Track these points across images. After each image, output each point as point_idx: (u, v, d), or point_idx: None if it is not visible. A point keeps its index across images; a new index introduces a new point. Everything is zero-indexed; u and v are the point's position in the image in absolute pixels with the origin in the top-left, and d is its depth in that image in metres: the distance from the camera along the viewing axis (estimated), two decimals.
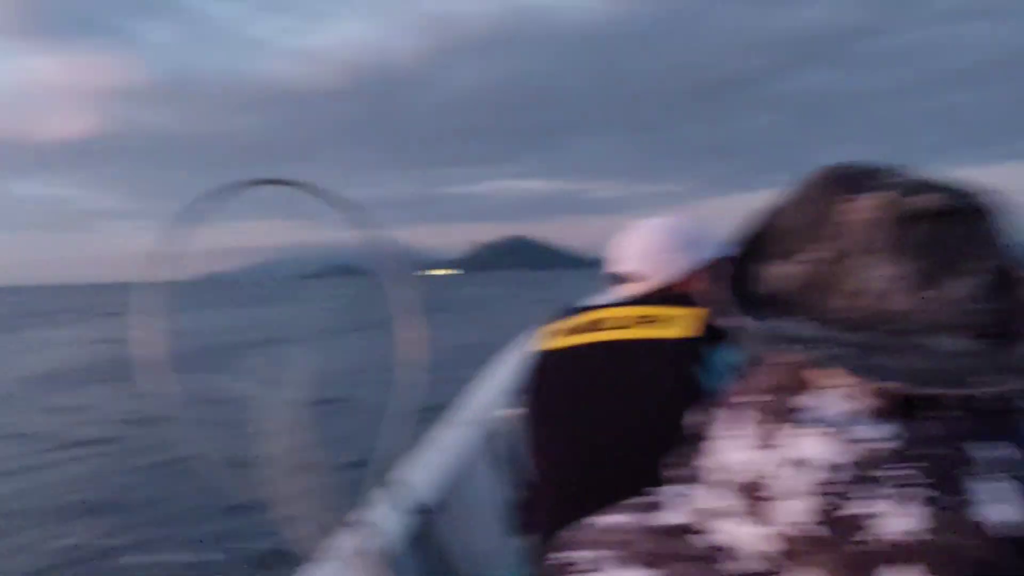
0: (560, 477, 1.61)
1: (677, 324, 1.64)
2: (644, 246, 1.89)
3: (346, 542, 1.64)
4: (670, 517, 0.76)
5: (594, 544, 0.78)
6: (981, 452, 0.64)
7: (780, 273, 0.73)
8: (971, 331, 0.68)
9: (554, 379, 1.71)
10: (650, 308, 1.71)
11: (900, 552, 0.61)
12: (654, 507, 0.79)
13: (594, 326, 1.74)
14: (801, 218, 0.73)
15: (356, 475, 1.65)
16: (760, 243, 0.76)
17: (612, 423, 1.58)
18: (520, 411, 1.73)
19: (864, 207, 0.69)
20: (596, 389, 1.64)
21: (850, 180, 0.72)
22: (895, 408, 0.66)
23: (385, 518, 1.98)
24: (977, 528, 0.61)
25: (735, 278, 0.76)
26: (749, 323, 0.71)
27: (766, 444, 0.68)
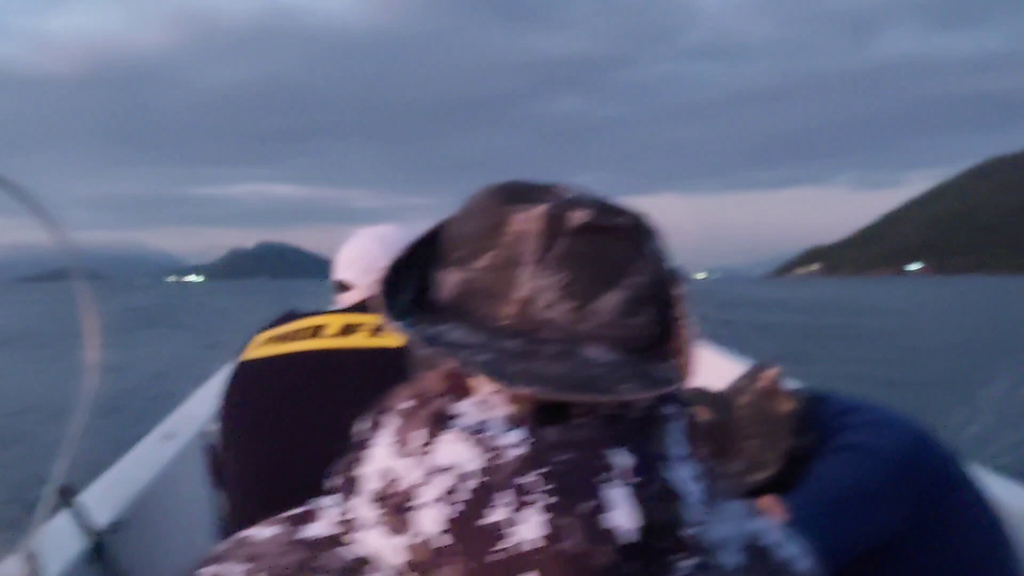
0: (264, 491, 1.55)
1: (388, 333, 1.64)
2: (358, 254, 1.90)
3: (9, 569, 1.48)
4: (318, 529, 0.75)
5: (236, 559, 0.76)
6: (613, 459, 0.66)
7: (449, 280, 0.75)
8: (619, 343, 0.71)
9: (259, 388, 1.65)
10: (362, 316, 1.70)
11: (524, 560, 0.62)
12: (305, 519, 0.77)
13: (305, 334, 1.70)
14: (470, 227, 0.75)
15: (26, 498, 1.50)
16: (434, 250, 0.78)
17: (318, 434, 1.54)
18: (224, 422, 1.65)
19: (525, 219, 0.72)
20: (301, 398, 1.60)
21: (516, 194, 0.75)
22: (536, 414, 0.68)
23: (60, 542, 1.82)
24: (600, 534, 0.63)
25: (391, 283, 0.77)
26: (402, 328, 0.72)
27: (411, 451, 0.68)
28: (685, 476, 0.70)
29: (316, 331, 1.70)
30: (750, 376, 1.66)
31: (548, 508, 0.62)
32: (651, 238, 0.75)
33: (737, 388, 1.66)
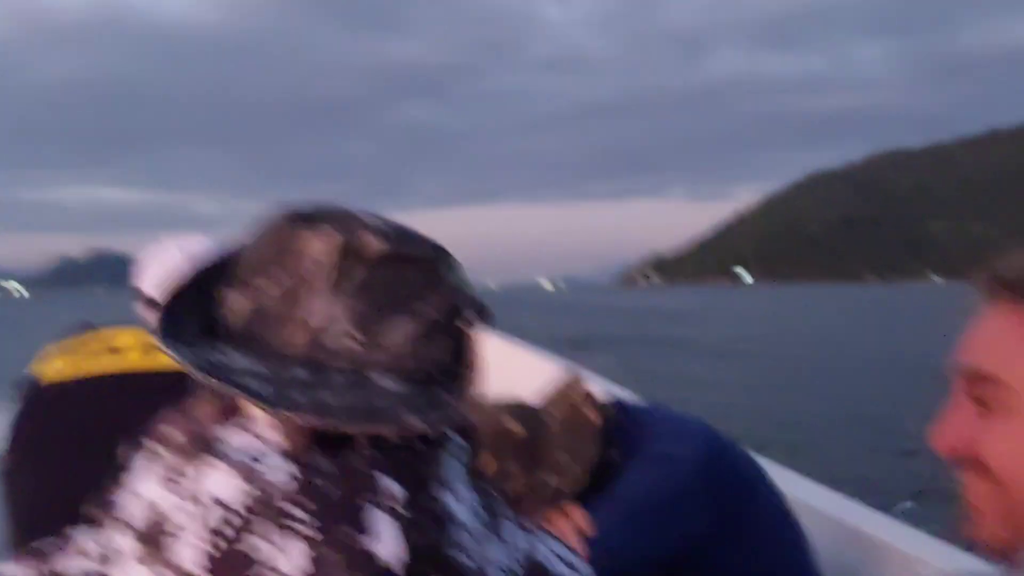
0: (56, 520, 1.44)
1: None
2: (159, 267, 1.80)
3: None
4: (73, 564, 0.73)
5: None
6: (383, 487, 0.66)
7: (238, 304, 0.73)
8: (410, 373, 0.71)
9: (54, 411, 1.54)
10: None
11: None
12: (60, 554, 0.75)
13: (102, 352, 1.60)
14: (262, 251, 0.74)
15: None
16: (225, 272, 0.76)
17: (113, 461, 1.45)
18: (14, 446, 1.53)
19: (317, 245, 0.71)
20: (99, 422, 1.50)
21: (309, 218, 0.73)
22: (315, 444, 0.67)
23: None
24: (362, 563, 0.62)
25: (175, 306, 0.75)
26: (178, 353, 0.71)
27: (173, 480, 0.67)
28: (459, 502, 0.71)
29: (115, 350, 1.60)
30: (562, 388, 1.70)
31: (311, 539, 0.62)
32: (449, 268, 0.76)
33: (549, 400, 1.69)
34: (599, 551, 1.45)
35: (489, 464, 1.59)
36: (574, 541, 1.46)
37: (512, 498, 1.58)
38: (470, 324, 0.75)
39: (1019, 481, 0.77)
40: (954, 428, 0.80)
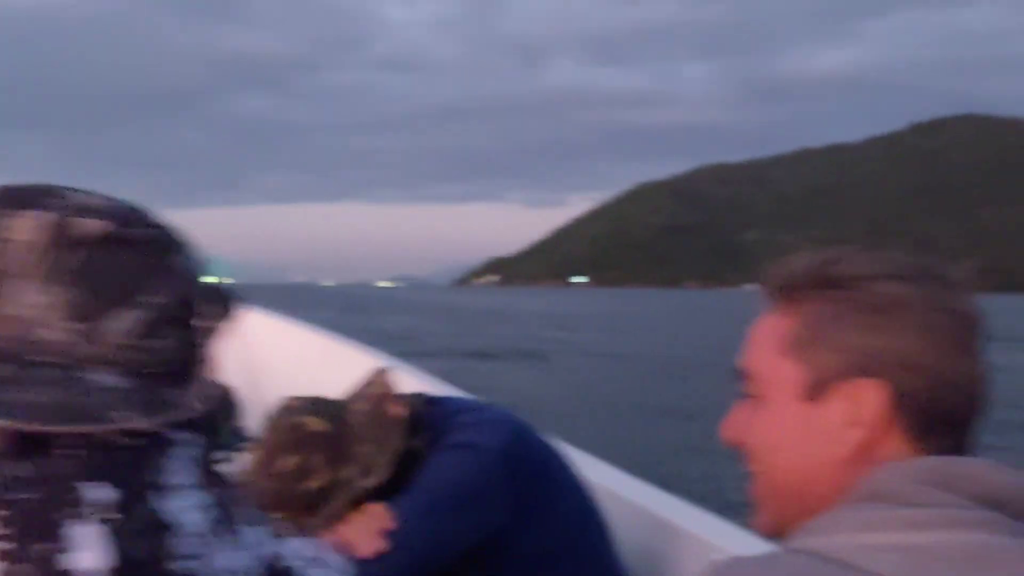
0: None
1: None
2: None
3: None
4: None
5: None
6: (88, 493, 0.62)
7: None
8: (133, 367, 0.66)
9: None
10: None
11: None
12: None
13: None
14: None
15: None
16: None
17: None
18: None
19: (24, 227, 0.65)
20: None
21: (15, 198, 0.67)
22: (10, 447, 0.62)
23: None
24: None
25: None
26: None
27: None
28: (183, 506, 0.66)
29: None
30: (368, 381, 1.67)
31: (1, 554, 0.58)
32: (179, 253, 0.70)
33: (354, 395, 1.66)
34: (400, 543, 1.43)
35: (290, 460, 1.54)
36: (374, 537, 1.43)
37: (316, 493, 1.54)
38: (205, 315, 0.70)
39: (772, 464, 0.83)
40: (734, 420, 0.88)
